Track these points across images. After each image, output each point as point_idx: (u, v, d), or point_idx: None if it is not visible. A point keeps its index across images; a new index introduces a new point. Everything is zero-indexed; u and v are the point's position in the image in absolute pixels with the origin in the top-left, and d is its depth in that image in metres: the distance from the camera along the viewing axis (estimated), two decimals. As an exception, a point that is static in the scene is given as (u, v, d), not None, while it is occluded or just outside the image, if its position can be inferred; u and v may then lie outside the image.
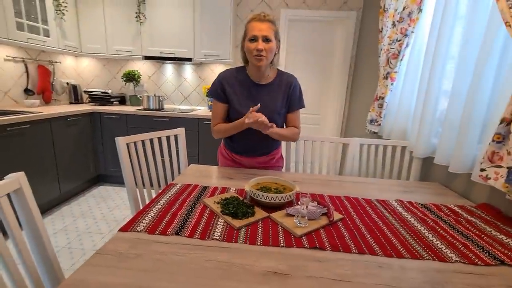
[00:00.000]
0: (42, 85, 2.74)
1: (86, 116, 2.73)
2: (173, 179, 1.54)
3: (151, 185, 1.42)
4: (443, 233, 0.86)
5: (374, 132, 2.14)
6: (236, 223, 0.84)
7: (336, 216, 0.92)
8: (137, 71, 3.25)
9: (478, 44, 1.11)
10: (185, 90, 3.36)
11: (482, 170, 0.96)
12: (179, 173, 1.59)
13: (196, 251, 0.72)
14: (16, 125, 1.98)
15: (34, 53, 2.72)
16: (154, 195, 1.38)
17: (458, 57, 1.26)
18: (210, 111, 1.43)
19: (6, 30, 2.13)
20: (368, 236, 0.83)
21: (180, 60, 2.95)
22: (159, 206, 0.94)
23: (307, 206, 0.84)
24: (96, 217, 2.34)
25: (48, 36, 2.55)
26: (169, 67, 3.31)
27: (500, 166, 0.91)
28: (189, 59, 2.93)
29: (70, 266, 1.72)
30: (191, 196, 1.04)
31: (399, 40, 1.76)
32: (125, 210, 2.47)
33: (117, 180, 3.02)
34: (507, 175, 0.87)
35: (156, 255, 0.69)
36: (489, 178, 0.93)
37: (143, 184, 1.36)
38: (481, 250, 0.78)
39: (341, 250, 0.75)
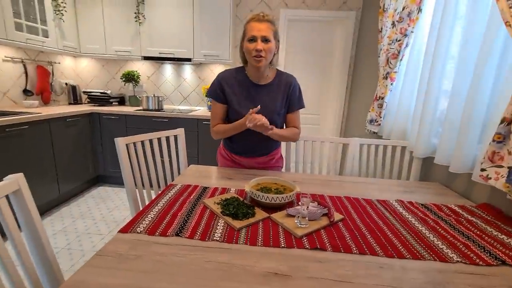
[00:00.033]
0: (41, 85, 2.74)
1: (85, 116, 2.72)
2: (172, 179, 1.53)
3: (151, 185, 1.42)
4: (444, 233, 0.86)
5: (374, 132, 2.14)
6: (237, 224, 0.84)
7: (337, 216, 0.92)
8: (136, 71, 3.24)
9: (478, 44, 1.11)
10: (184, 91, 3.36)
11: (482, 170, 0.96)
12: (179, 173, 1.59)
13: (196, 252, 0.71)
14: (15, 126, 1.97)
15: (33, 54, 2.72)
16: (153, 196, 1.38)
17: (458, 57, 1.26)
18: (210, 111, 1.42)
19: (4, 31, 2.12)
20: (369, 236, 0.83)
21: (180, 61, 2.95)
22: (159, 207, 0.94)
23: (307, 207, 0.84)
24: (96, 218, 2.33)
25: (47, 37, 2.54)
26: (168, 68, 3.31)
27: (501, 166, 0.90)
28: (189, 60, 2.92)
29: (70, 267, 1.71)
30: (191, 197, 1.03)
31: (399, 40, 1.76)
32: (124, 211, 2.47)
33: (116, 180, 3.01)
34: (507, 175, 0.87)
35: (156, 256, 0.69)
36: (490, 178, 0.93)
37: (143, 185, 1.36)
38: (482, 250, 0.77)
39: (342, 251, 0.75)
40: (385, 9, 2.03)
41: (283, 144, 1.58)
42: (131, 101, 3.27)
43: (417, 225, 0.91)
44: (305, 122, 3.21)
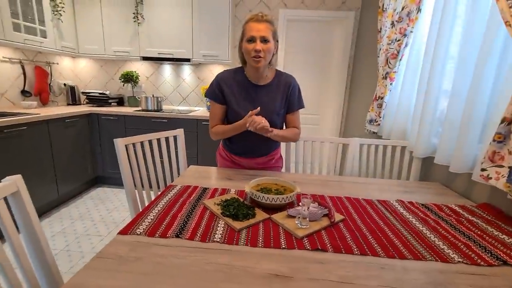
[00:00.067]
0: (39, 86, 2.72)
1: (84, 117, 2.71)
2: (172, 180, 1.53)
3: (150, 186, 1.41)
4: (445, 233, 0.86)
5: (374, 132, 2.14)
6: (237, 225, 0.83)
7: (337, 217, 0.92)
8: (135, 72, 3.23)
9: (478, 44, 1.11)
10: (183, 91, 3.35)
11: (483, 170, 0.96)
12: (178, 174, 1.58)
13: (196, 253, 0.71)
14: (13, 126, 1.96)
15: (31, 54, 2.70)
16: (153, 197, 1.38)
17: (458, 57, 1.26)
18: (209, 111, 1.42)
19: (2, 31, 2.11)
20: (369, 237, 0.82)
21: (179, 61, 2.94)
22: (159, 208, 0.93)
23: (308, 207, 0.83)
24: (95, 219, 2.32)
25: (45, 37, 2.53)
26: (167, 68, 3.30)
27: (501, 166, 0.90)
28: (188, 60, 2.92)
29: (69, 269, 1.71)
30: (191, 198, 1.03)
31: (398, 40, 1.76)
32: (123, 212, 2.46)
33: (115, 181, 3.00)
34: (508, 175, 0.87)
35: (156, 258, 0.68)
36: (490, 178, 0.93)
37: (142, 186, 1.35)
38: (483, 250, 0.77)
39: (343, 252, 0.75)
40: (384, 9, 2.03)
41: (282, 144, 1.57)
42: (130, 102, 3.26)
43: (418, 225, 0.90)
44: (305, 122, 3.21)
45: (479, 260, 0.73)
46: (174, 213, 0.91)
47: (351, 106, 3.13)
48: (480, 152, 1.12)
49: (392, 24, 1.86)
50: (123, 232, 0.78)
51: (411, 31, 1.69)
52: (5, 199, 0.69)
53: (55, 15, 2.60)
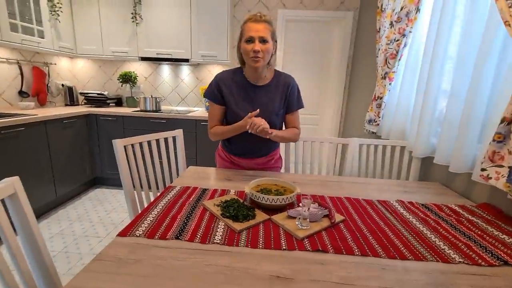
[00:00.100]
0: (37, 87, 2.71)
1: (82, 118, 2.70)
2: (171, 181, 1.52)
3: (149, 187, 1.40)
4: (445, 233, 0.86)
5: (373, 132, 2.14)
6: (237, 226, 0.83)
7: (338, 217, 0.92)
8: (133, 72, 3.22)
9: (477, 44, 1.11)
10: (182, 91, 3.34)
11: (483, 169, 0.96)
12: (178, 175, 1.57)
13: (196, 255, 0.70)
14: (10, 127, 1.94)
15: (29, 55, 2.69)
16: (152, 198, 1.37)
17: (457, 57, 1.26)
18: (208, 112, 1.40)
19: (-1, 32, 2.10)
20: (370, 237, 0.82)
21: (177, 61, 2.93)
22: (158, 210, 0.93)
23: (308, 208, 0.83)
24: (93, 220, 2.31)
25: (43, 37, 2.52)
26: (165, 68, 3.29)
27: (501, 166, 0.90)
28: (186, 60, 2.91)
29: (67, 270, 1.69)
30: (191, 199, 1.02)
31: (397, 40, 1.76)
32: (122, 213, 2.45)
33: (114, 182, 2.99)
34: (508, 175, 0.87)
35: (156, 260, 0.68)
36: (490, 178, 0.93)
37: (141, 187, 1.34)
38: (484, 250, 0.77)
39: (344, 253, 0.74)
40: (383, 9, 2.03)
41: (282, 144, 1.57)
42: (129, 102, 3.24)
43: (418, 226, 0.90)
44: (304, 123, 3.20)
45: (480, 260, 0.73)
46: (174, 214, 0.90)
47: (350, 106, 3.13)
48: (479, 152, 1.12)
49: (391, 24, 1.86)
50: (122, 234, 0.77)
51: (410, 31, 1.69)
52: (2, 201, 0.68)
53: (53, 15, 2.58)
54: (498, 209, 1.02)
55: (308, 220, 0.84)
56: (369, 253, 0.74)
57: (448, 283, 0.65)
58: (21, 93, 2.60)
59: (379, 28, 2.08)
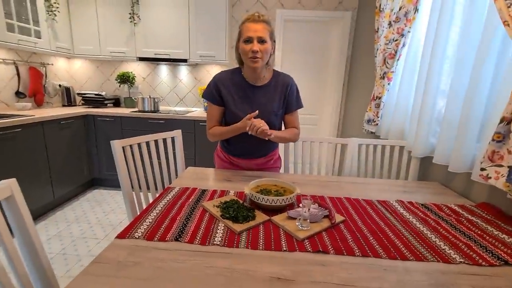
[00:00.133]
0: (34, 87, 2.69)
1: (79, 119, 2.68)
2: (170, 182, 1.51)
3: (148, 188, 1.40)
4: (445, 233, 0.86)
5: (372, 132, 2.14)
6: (237, 227, 0.82)
7: (338, 218, 0.91)
8: (131, 72, 3.20)
9: (475, 44, 1.11)
10: (180, 92, 3.33)
11: (482, 169, 0.96)
12: (176, 176, 1.56)
13: (196, 257, 0.70)
14: (7, 128, 1.93)
15: (25, 55, 2.67)
16: (150, 199, 1.36)
17: (456, 57, 1.26)
18: (206, 112, 1.40)
19: (-5, 32, 2.08)
20: (371, 238, 0.82)
21: (175, 61, 2.92)
22: (157, 211, 0.92)
23: (309, 209, 0.82)
24: (91, 221, 2.29)
25: (40, 38, 2.50)
26: (164, 68, 3.28)
27: (501, 165, 0.90)
28: (185, 60, 2.90)
29: (65, 272, 1.68)
30: (190, 200, 1.02)
31: (396, 40, 1.76)
32: (120, 214, 2.43)
33: (112, 183, 2.97)
34: (508, 174, 0.87)
35: (155, 262, 0.67)
36: (490, 178, 0.93)
37: (140, 188, 1.34)
38: (484, 250, 0.77)
39: (345, 253, 0.74)
40: (381, 9, 2.03)
41: (281, 145, 1.57)
42: (127, 103, 3.23)
43: (418, 226, 0.90)
44: (303, 123, 3.18)
45: (480, 260, 0.73)
46: (173, 215, 0.89)
47: (348, 106, 3.14)
48: (478, 152, 1.12)
49: (390, 24, 1.86)
50: (121, 236, 0.76)
51: (409, 31, 1.69)
52: (-1, 203, 0.68)
53: (50, 15, 2.56)
54: (497, 209, 1.02)
55: (308, 221, 0.83)
56: (370, 253, 0.74)
57: (449, 283, 0.65)
58: (18, 94, 2.58)
59: (378, 28, 2.09)
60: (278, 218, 0.89)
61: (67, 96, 3.09)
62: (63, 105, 3.10)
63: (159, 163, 1.46)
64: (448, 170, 1.22)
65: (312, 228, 0.83)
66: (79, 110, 2.75)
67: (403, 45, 1.75)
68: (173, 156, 1.52)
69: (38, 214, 2.32)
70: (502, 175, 0.89)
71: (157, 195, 1.06)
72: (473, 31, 1.14)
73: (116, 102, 3.30)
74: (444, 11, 1.30)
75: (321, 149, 1.64)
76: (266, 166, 1.45)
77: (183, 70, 3.27)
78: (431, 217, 0.97)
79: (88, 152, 2.83)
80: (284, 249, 0.74)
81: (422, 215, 0.98)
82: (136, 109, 3.00)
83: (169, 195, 1.05)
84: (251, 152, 1.38)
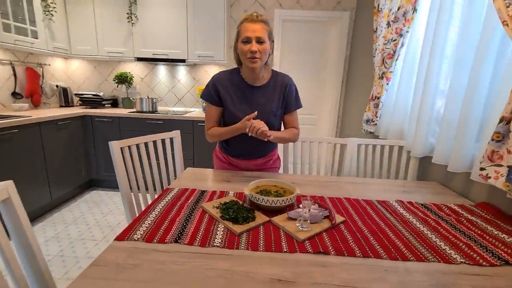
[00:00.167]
0: (31, 88, 2.67)
1: (77, 119, 2.66)
2: (169, 183, 1.50)
3: (146, 189, 1.39)
4: (446, 233, 0.86)
5: (370, 132, 2.14)
6: (237, 228, 0.82)
7: (338, 218, 0.91)
8: (129, 73, 3.19)
9: (474, 44, 1.12)
10: (179, 92, 3.32)
11: (482, 169, 0.96)
12: (175, 176, 1.56)
13: (196, 259, 0.69)
14: (4, 129, 1.91)
15: (22, 55, 2.64)
16: (149, 200, 1.36)
17: (455, 56, 1.26)
18: (205, 112, 1.39)
19: (-8, 32, 2.06)
20: (371, 238, 0.82)
21: (174, 62, 2.91)
22: (156, 213, 0.91)
23: (309, 210, 0.82)
24: (89, 223, 2.28)
25: (36, 38, 2.48)
26: (162, 69, 3.27)
27: (500, 165, 0.91)
28: (183, 61, 2.89)
29: (63, 274, 1.67)
30: (189, 201, 1.01)
31: (394, 40, 1.76)
32: (119, 215, 2.42)
33: (110, 184, 2.95)
34: (507, 174, 0.87)
35: (155, 264, 0.66)
36: (490, 177, 0.93)
37: (138, 189, 1.33)
38: (485, 250, 0.77)
39: (345, 254, 0.73)
40: (379, 9, 2.03)
41: (280, 145, 1.56)
42: (125, 103, 3.21)
43: (419, 226, 0.90)
44: (302, 123, 3.16)
45: (481, 260, 0.73)
46: (172, 217, 0.89)
47: (347, 106, 3.14)
48: (477, 152, 1.12)
49: (388, 24, 1.86)
50: (120, 238, 0.76)
51: (407, 31, 1.69)
52: (-4, 206, 0.67)
53: (47, 15, 2.54)
54: (497, 208, 1.02)
55: (308, 221, 0.83)
56: (371, 254, 0.74)
57: (450, 283, 0.65)
58: (15, 95, 2.56)
59: (376, 28, 2.09)
60: (278, 219, 0.88)
61: (65, 97, 3.07)
62: (61, 106, 3.08)
63: (158, 164, 1.45)
64: (447, 170, 1.22)
65: (312, 229, 0.83)
66: (77, 110, 2.73)
67: (402, 45, 1.75)
68: (171, 157, 1.51)
69: (36, 216, 2.30)
70: (501, 174, 0.89)
71: (156, 196, 1.05)
72: (472, 31, 1.14)
73: (114, 103, 3.28)
74: (443, 11, 1.30)
75: (320, 149, 1.64)
76: (265, 167, 1.44)
77: (182, 71, 3.26)
78: (431, 217, 0.97)
79: (86, 153, 2.81)
80: (285, 250, 0.74)
81: (422, 215, 0.98)
82: (134, 110, 2.98)
83: (168, 196, 1.05)
84: (250, 152, 1.37)
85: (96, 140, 2.81)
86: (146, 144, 1.40)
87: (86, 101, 3.04)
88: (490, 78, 1.07)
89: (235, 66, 1.32)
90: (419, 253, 0.75)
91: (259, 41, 1.14)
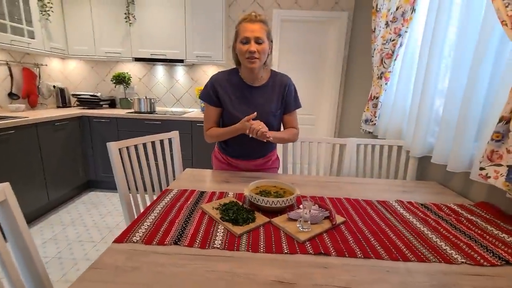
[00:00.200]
0: (27, 88, 2.64)
1: (74, 120, 2.64)
2: (167, 184, 1.49)
3: (145, 190, 1.38)
4: (446, 233, 0.86)
5: (369, 132, 2.14)
6: (237, 230, 0.81)
7: (338, 219, 0.91)
8: (127, 73, 3.17)
9: (473, 43, 1.12)
10: (177, 92, 3.31)
11: (481, 169, 0.96)
12: (174, 177, 1.55)
13: (196, 261, 0.68)
14: (0, 130, 1.89)
15: (18, 56, 2.62)
16: (148, 201, 1.34)
17: (453, 56, 1.27)
18: (203, 113, 1.39)
19: (-13, 32, 2.04)
20: (372, 239, 0.81)
21: (172, 62, 2.90)
22: (155, 214, 0.90)
23: (310, 210, 0.82)
24: (87, 224, 2.26)
25: (33, 38, 2.46)
26: (160, 69, 3.25)
27: (500, 165, 0.91)
28: (181, 61, 2.88)
29: (61, 277, 1.65)
30: (188, 202, 1.00)
31: (393, 40, 1.77)
32: (117, 216, 2.40)
33: (108, 185, 2.94)
34: (507, 174, 0.87)
35: (154, 267, 0.65)
36: (489, 177, 0.93)
37: (137, 190, 1.32)
38: (485, 250, 0.77)
39: (346, 255, 0.73)
40: (378, 9, 2.04)
41: (279, 145, 1.56)
42: (122, 104, 3.19)
43: (419, 226, 0.90)
44: (301, 123, 3.15)
45: (482, 260, 0.73)
46: (172, 218, 0.88)
47: (345, 106, 3.14)
48: (477, 151, 1.12)
49: (387, 24, 1.87)
50: (119, 240, 0.75)
51: (406, 31, 1.69)
52: (-8, 208, 0.65)
53: (43, 15, 2.52)
54: (496, 208, 1.02)
55: (309, 222, 0.83)
56: (372, 255, 0.74)
57: (451, 284, 0.65)
58: (11, 95, 2.54)
59: (374, 28, 2.09)
60: (278, 220, 0.88)
61: (62, 97, 3.04)
62: (58, 107, 3.06)
63: (156, 165, 1.44)
64: (447, 169, 1.22)
65: (312, 229, 0.83)
66: (74, 111, 2.71)
67: (401, 45, 1.75)
68: (170, 158, 1.50)
69: (33, 218, 2.28)
70: (501, 174, 0.89)
71: (155, 197, 1.04)
72: (471, 30, 1.15)
73: (112, 103, 3.26)
74: (442, 11, 1.31)
75: (320, 149, 1.64)
76: (264, 167, 1.44)
77: (180, 71, 3.24)
78: (431, 217, 0.97)
79: (83, 154, 2.80)
80: (285, 251, 0.74)
81: (422, 215, 0.98)
82: (132, 110, 2.97)
83: (167, 197, 1.04)
84: (249, 153, 1.37)
85: (94, 141, 2.79)
86: (144, 145, 1.39)
87: (84, 102, 3.02)
88: (489, 77, 1.07)
89: (234, 66, 1.32)
90: (420, 254, 0.75)
91: (258, 41, 1.14)
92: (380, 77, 1.95)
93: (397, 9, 1.71)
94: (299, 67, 3.20)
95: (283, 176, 1.39)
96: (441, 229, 0.88)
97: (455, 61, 1.23)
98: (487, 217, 0.97)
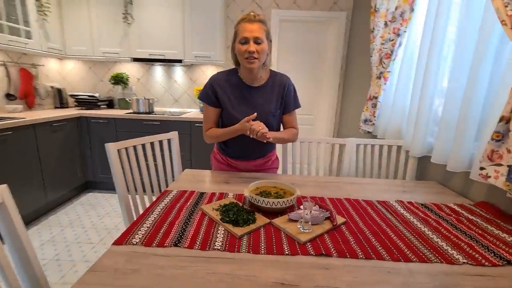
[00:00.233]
0: (25, 89, 2.62)
1: (72, 121, 2.62)
2: (167, 185, 1.49)
3: (144, 191, 1.37)
4: (447, 233, 0.85)
5: (368, 132, 2.14)
6: (238, 231, 0.80)
7: (339, 219, 0.90)
8: (125, 73, 3.16)
9: (473, 43, 1.12)
10: (175, 93, 3.30)
11: (482, 168, 0.96)
12: (173, 178, 1.54)
13: (197, 263, 0.68)
14: (-3, 131, 1.88)
15: (15, 56, 2.60)
16: (147, 202, 1.34)
17: (453, 56, 1.27)
18: (202, 113, 1.38)
19: (-16, 32, 2.02)
20: (373, 239, 0.81)
21: (170, 62, 2.89)
22: (155, 216, 0.89)
23: (311, 211, 0.81)
24: (86, 226, 2.24)
25: (30, 38, 2.44)
26: (158, 69, 3.24)
27: (500, 165, 0.91)
28: (179, 61, 2.87)
29: (59, 279, 1.64)
30: (188, 203, 0.99)
31: (392, 40, 1.77)
32: (116, 217, 2.39)
33: (106, 186, 2.92)
34: (507, 173, 0.87)
35: (154, 269, 0.65)
36: (489, 177, 0.93)
37: (136, 191, 1.31)
38: (486, 250, 0.77)
39: (348, 256, 0.73)
40: (376, 9, 2.04)
41: (279, 145, 1.55)
42: (121, 104, 3.18)
43: (419, 226, 0.90)
44: (300, 123, 3.15)
45: (483, 261, 0.72)
46: (171, 220, 0.87)
47: (344, 106, 3.14)
48: (476, 151, 1.12)
49: (385, 24, 1.87)
50: (118, 242, 0.74)
51: (405, 31, 1.70)
52: (-11, 210, 0.65)
53: (41, 15, 2.51)
54: (496, 207, 1.02)
55: (310, 223, 0.82)
56: (373, 256, 0.73)
57: (453, 284, 0.65)
58: (8, 96, 2.52)
59: (373, 28, 2.09)
60: (279, 221, 0.87)
61: (59, 98, 3.03)
62: (55, 107, 3.04)
63: (155, 165, 1.43)
64: (446, 169, 1.23)
65: (313, 230, 0.82)
66: (72, 112, 2.69)
67: (399, 45, 1.75)
68: (169, 158, 1.49)
69: (31, 219, 2.26)
70: (501, 174, 0.89)
71: (154, 199, 1.04)
72: (470, 30, 1.15)
73: (110, 104, 3.24)
74: (441, 11, 1.31)
75: (319, 149, 1.63)
76: (264, 167, 1.43)
77: (178, 71, 3.23)
78: (431, 217, 0.97)
79: (81, 155, 2.78)
80: (286, 252, 0.73)
81: (422, 215, 0.98)
82: (130, 111, 2.95)
83: (166, 198, 1.03)
84: (249, 153, 1.36)
85: (92, 142, 2.78)
86: (143, 146, 1.38)
87: (82, 102, 3.01)
88: (489, 77, 1.07)
89: (233, 66, 1.31)
90: (421, 254, 0.75)
91: (257, 41, 1.13)
92: (379, 77, 1.95)
93: (396, 9, 1.71)
94: (297, 67, 3.20)
95: (283, 177, 1.38)
96: (442, 229, 0.88)
97: (454, 61, 1.23)
98: (488, 217, 0.97)
